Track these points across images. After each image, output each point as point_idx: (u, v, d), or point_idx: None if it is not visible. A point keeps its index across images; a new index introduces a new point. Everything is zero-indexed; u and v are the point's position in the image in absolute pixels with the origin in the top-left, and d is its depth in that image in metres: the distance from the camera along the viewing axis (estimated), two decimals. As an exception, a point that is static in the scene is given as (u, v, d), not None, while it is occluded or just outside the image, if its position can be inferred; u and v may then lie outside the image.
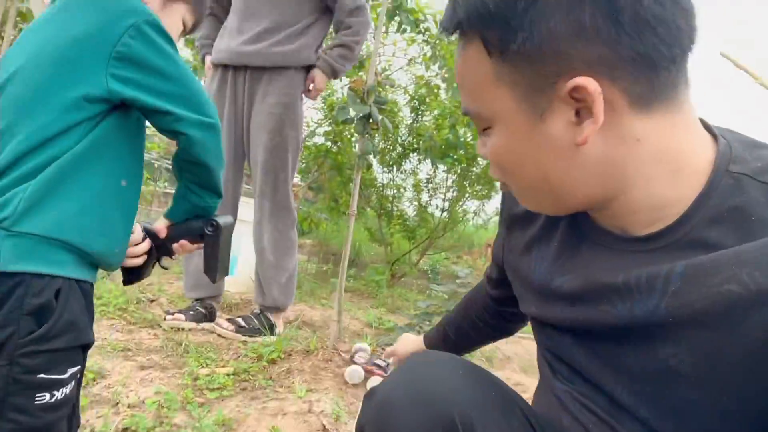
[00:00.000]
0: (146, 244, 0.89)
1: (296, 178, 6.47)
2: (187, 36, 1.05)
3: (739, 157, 0.53)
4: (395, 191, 4.83)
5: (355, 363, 1.66)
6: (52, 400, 0.70)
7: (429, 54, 3.56)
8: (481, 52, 0.53)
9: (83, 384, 1.32)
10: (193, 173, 0.88)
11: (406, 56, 4.14)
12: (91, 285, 0.78)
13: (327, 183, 4.86)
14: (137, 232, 0.88)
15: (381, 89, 1.89)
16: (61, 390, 0.72)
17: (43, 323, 0.68)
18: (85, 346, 0.76)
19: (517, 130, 0.54)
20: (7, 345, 0.66)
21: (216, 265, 0.91)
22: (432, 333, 1.14)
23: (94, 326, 1.70)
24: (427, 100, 4.56)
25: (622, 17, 0.46)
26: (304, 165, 5.49)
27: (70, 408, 0.76)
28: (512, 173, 0.58)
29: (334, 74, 1.96)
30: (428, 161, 4.44)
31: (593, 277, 0.58)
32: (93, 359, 1.44)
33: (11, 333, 0.65)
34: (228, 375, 1.52)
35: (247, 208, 2.96)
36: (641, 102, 0.49)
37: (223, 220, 0.92)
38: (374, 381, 1.58)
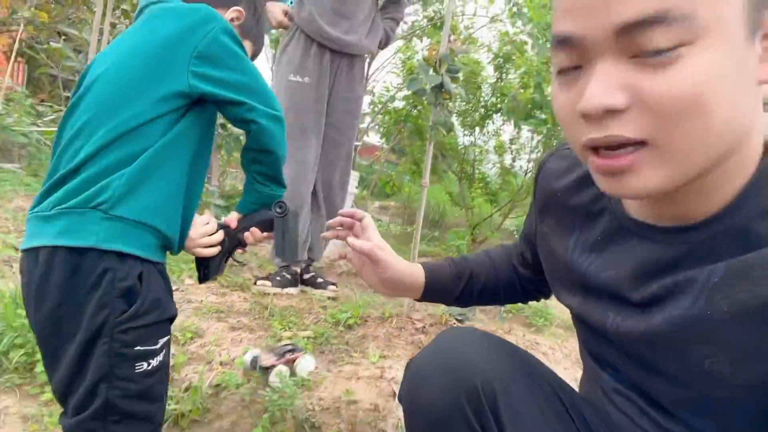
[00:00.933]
0: (220, 234, 0.97)
1: (379, 142, 6.55)
2: None
3: None
4: (477, 153, 4.73)
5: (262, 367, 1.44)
6: (149, 367, 0.81)
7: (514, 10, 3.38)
8: None
9: (182, 342, 1.49)
10: (262, 163, 0.94)
11: (488, 14, 3.95)
12: (164, 265, 0.88)
13: (408, 146, 4.88)
14: (212, 222, 0.96)
15: (455, 57, 1.84)
16: (155, 358, 0.83)
17: (132, 303, 0.78)
18: (171, 319, 0.87)
19: (735, 47, 0.42)
20: (105, 325, 0.76)
21: (284, 246, 0.97)
22: (436, 266, 0.91)
23: (193, 288, 1.88)
24: (513, 57, 4.36)
25: None
26: (384, 129, 5.54)
27: (167, 373, 0.88)
28: (700, 114, 0.42)
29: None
30: (511, 122, 4.28)
31: (638, 275, 0.57)
32: (191, 320, 1.62)
33: (107, 314, 0.76)
34: (308, 338, 1.64)
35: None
36: None
37: (289, 204, 0.98)
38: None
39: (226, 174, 4.54)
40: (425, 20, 4.84)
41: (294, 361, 1.45)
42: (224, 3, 0.99)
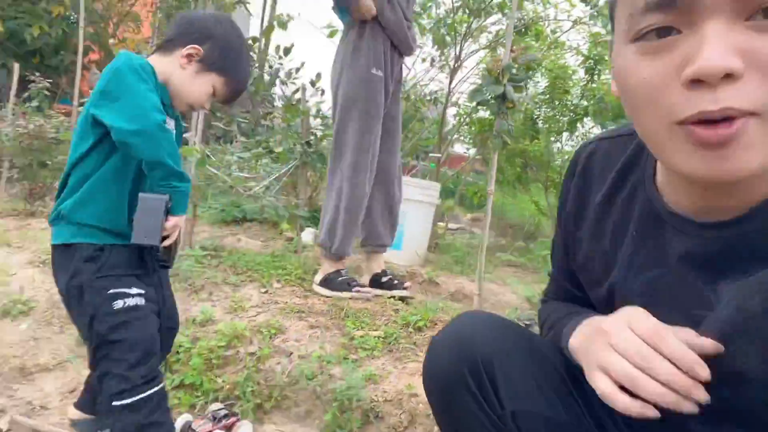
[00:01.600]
0: (172, 223, 1.13)
1: (465, 152, 6.57)
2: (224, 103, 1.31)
3: None
4: (564, 160, 4.60)
5: None
6: (126, 305, 1.09)
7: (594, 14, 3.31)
8: None
9: (267, 337, 1.68)
10: (152, 170, 1.08)
11: (569, 18, 3.88)
12: (125, 246, 1.12)
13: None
14: (171, 220, 1.13)
15: (517, 67, 1.89)
16: (130, 299, 1.10)
17: (98, 265, 1.09)
18: (137, 275, 1.14)
19: None
20: (83, 282, 1.08)
21: (146, 229, 1.09)
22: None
23: (281, 291, 2.07)
24: (606, 58, 4.22)
25: None
26: (470, 139, 5.56)
27: (146, 316, 1.13)
28: None
29: None
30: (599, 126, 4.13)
31: (675, 276, 0.58)
32: (276, 318, 1.82)
33: (83, 275, 1.08)
34: (378, 338, 1.77)
35: (408, 188, 3.21)
36: None
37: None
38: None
39: (319, 189, 4.84)
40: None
41: (231, 426, 1.40)
42: (183, 42, 1.16)
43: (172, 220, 1.13)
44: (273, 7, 9.17)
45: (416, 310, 2.00)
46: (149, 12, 5.98)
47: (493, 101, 1.88)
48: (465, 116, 5.18)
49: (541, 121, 4.81)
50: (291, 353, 1.65)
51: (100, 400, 1.09)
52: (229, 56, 1.19)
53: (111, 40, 6.68)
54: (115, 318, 1.08)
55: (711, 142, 0.43)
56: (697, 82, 0.42)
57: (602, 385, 0.56)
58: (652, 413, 0.53)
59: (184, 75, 1.17)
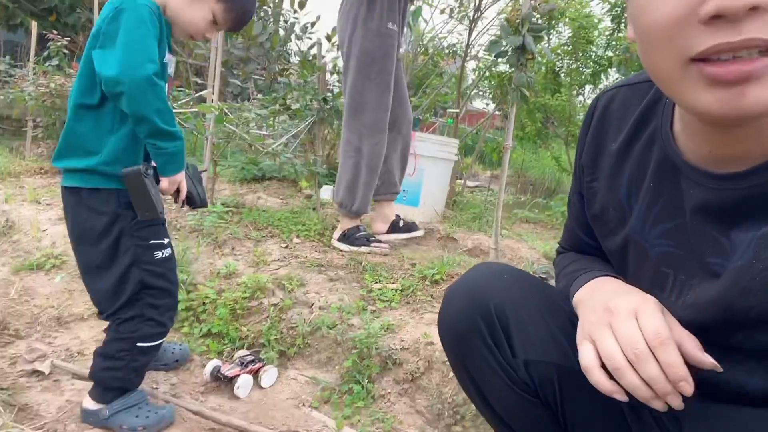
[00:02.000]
0: (165, 185, 1.15)
1: (484, 107, 6.44)
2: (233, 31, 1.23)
3: None
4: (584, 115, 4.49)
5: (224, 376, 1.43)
6: (163, 255, 1.15)
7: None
8: None
9: (289, 289, 1.74)
10: (140, 125, 1.04)
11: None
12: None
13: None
14: (163, 182, 1.15)
15: (538, 16, 1.83)
16: (166, 249, 1.17)
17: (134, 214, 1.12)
18: (163, 223, 1.20)
19: None
20: (125, 228, 1.11)
21: (142, 203, 1.09)
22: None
23: (300, 246, 2.12)
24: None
25: None
26: (491, 94, 5.45)
27: (175, 266, 1.20)
28: None
29: None
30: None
31: (690, 225, 0.59)
32: (296, 271, 1.87)
33: (123, 218, 1.11)
34: (395, 290, 1.81)
35: (426, 144, 3.19)
36: None
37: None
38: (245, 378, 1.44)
39: (337, 146, 4.84)
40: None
41: (257, 371, 1.47)
42: None
43: (164, 182, 1.12)
44: (287, -41, 8.94)
45: (433, 264, 2.03)
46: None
47: (512, 53, 1.84)
48: (485, 70, 5.07)
49: (563, 74, 4.68)
50: (312, 304, 1.71)
51: (113, 343, 1.16)
52: None
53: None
54: (156, 267, 1.15)
55: (726, 79, 0.42)
56: (717, 18, 0.40)
57: (586, 357, 0.60)
58: (622, 398, 0.57)
59: (181, 2, 1.12)
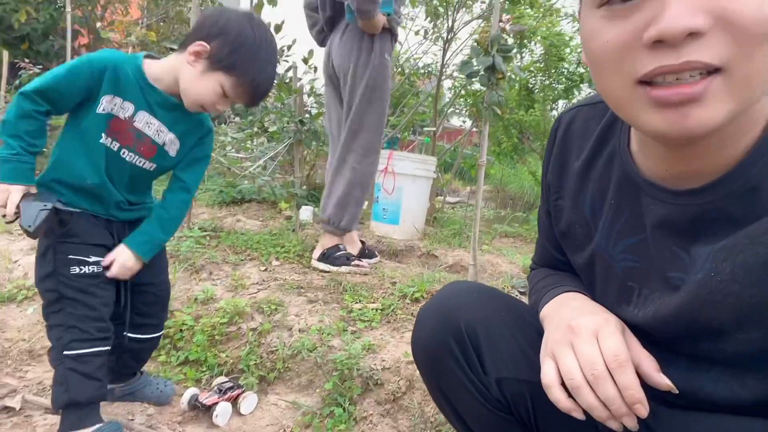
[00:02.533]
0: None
1: (464, 124, 6.54)
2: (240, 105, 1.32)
3: None
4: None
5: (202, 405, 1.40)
6: (82, 271, 1.17)
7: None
8: None
9: (268, 313, 1.72)
10: None
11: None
12: (95, 216, 1.22)
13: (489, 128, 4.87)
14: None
15: (507, 37, 1.88)
16: (88, 267, 1.18)
17: (65, 229, 1.16)
18: (95, 245, 1.21)
19: None
20: (50, 244, 1.16)
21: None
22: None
23: (280, 268, 2.11)
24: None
25: None
26: (468, 111, 5.54)
27: (100, 284, 1.20)
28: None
29: None
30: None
31: (652, 241, 0.61)
32: (275, 294, 1.86)
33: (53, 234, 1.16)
34: (376, 310, 1.81)
35: (404, 162, 3.22)
36: None
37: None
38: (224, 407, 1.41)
39: (317, 167, 4.84)
40: (500, -2, 4.77)
41: (236, 398, 1.45)
42: (194, 39, 1.13)
43: None
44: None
45: (413, 282, 2.03)
46: (137, -7, 5.90)
47: (482, 73, 1.88)
48: (460, 89, 5.15)
49: (536, 90, 4.79)
50: (291, 327, 1.70)
51: (52, 354, 1.20)
52: (238, 54, 1.12)
53: (99, 24, 6.59)
54: (72, 281, 1.17)
55: (670, 101, 0.44)
56: (659, 43, 0.43)
57: (547, 374, 0.62)
58: (580, 416, 0.59)
59: (192, 73, 1.13)
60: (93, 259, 1.21)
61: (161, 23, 6.54)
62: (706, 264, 0.55)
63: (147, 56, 1.21)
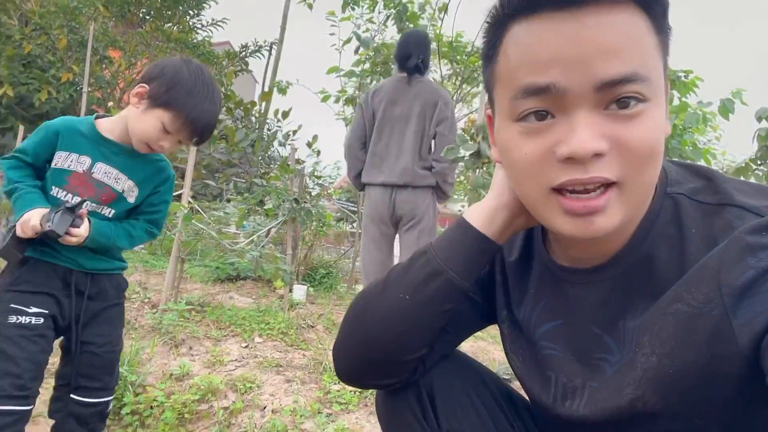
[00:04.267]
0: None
1: (462, 209, 6.65)
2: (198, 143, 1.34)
3: (674, 180, 0.59)
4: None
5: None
6: (18, 321, 1.16)
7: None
8: (637, 15, 0.51)
9: (242, 391, 1.67)
10: None
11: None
12: (49, 264, 1.23)
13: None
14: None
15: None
16: (26, 318, 1.17)
17: (13, 277, 1.19)
18: (40, 292, 1.20)
19: (662, 108, 0.53)
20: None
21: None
22: None
23: (262, 345, 2.06)
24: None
25: None
26: (465, 196, 5.66)
27: (32, 337, 1.17)
28: (657, 157, 0.53)
29: None
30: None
31: (573, 324, 0.64)
32: (253, 372, 1.81)
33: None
34: (354, 392, 1.74)
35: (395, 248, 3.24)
36: None
37: None
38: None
39: (314, 247, 4.87)
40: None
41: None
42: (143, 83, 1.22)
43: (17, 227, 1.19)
44: (274, 74, 9.61)
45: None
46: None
47: (468, 158, 1.96)
48: (459, 175, 5.31)
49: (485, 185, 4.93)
50: (264, 407, 1.63)
51: None
52: (174, 91, 1.20)
53: (110, 103, 6.97)
54: (4, 329, 1.15)
55: (578, 212, 0.52)
56: (570, 159, 0.51)
57: None
58: None
59: (135, 113, 1.22)
60: (33, 310, 1.20)
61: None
62: (631, 343, 0.57)
63: (97, 117, 1.31)
